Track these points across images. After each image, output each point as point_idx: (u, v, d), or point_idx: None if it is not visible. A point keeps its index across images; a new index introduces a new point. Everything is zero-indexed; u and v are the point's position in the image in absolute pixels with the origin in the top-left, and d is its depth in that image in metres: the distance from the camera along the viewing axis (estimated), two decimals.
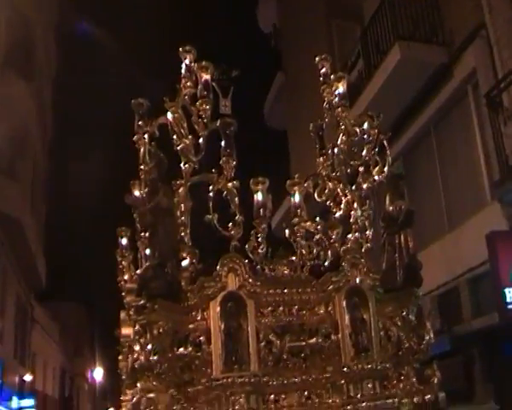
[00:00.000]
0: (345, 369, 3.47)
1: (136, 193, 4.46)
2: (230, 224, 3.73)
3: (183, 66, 4.17)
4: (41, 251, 25.72)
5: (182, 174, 4.03)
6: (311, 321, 3.61)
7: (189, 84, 4.12)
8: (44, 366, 30.70)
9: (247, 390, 3.24)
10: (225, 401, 3.23)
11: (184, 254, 3.92)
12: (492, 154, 10.04)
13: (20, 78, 20.40)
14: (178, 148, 4.04)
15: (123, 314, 4.75)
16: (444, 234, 11.44)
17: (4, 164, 19.40)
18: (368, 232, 4.20)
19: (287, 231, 4.42)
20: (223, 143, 3.86)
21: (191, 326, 3.44)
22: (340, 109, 4.33)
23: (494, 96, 9.64)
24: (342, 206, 4.37)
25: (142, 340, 3.40)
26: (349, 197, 4.32)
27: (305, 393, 3.57)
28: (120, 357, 5.11)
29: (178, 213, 3.94)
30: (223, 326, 3.31)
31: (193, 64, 4.15)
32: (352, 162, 4.38)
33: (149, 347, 3.31)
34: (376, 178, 4.22)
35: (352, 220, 4.25)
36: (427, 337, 3.90)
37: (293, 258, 4.24)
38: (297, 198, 4.37)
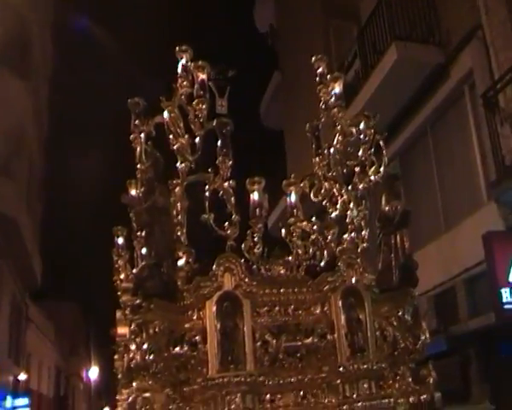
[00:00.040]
0: (341, 369, 3.48)
1: (133, 192, 4.45)
2: (226, 223, 3.73)
3: (180, 65, 4.17)
4: (37, 250, 25.65)
5: (178, 174, 4.03)
6: (306, 321, 3.61)
7: (185, 83, 4.13)
8: (39, 365, 30.61)
9: (242, 390, 3.24)
10: (221, 400, 3.24)
11: (180, 254, 3.93)
12: (489, 154, 10.05)
13: (16, 77, 20.35)
14: (175, 147, 4.05)
15: (119, 314, 4.74)
16: (440, 234, 11.45)
17: (0, 163, 19.36)
18: (364, 232, 4.20)
19: (283, 230, 4.42)
20: (219, 142, 3.87)
21: (187, 326, 3.44)
22: (336, 110, 4.33)
23: (491, 96, 9.65)
24: (338, 206, 4.38)
25: (137, 339, 3.39)
26: (345, 197, 4.32)
27: (301, 393, 3.58)
28: (116, 356, 5.11)
29: (174, 213, 3.94)
30: (219, 326, 3.31)
31: (189, 64, 4.15)
32: (348, 162, 4.39)
33: (145, 346, 3.31)
34: (372, 178, 4.23)
35: (348, 220, 4.26)
36: (423, 337, 3.90)
37: (290, 258, 4.24)
38: (293, 198, 4.38)
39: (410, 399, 3.84)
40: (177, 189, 4.01)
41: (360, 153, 4.27)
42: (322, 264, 4.15)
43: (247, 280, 3.40)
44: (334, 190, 4.39)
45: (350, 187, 4.33)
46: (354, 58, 14.03)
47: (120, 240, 5.39)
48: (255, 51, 26.55)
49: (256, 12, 23.41)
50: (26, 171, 22.67)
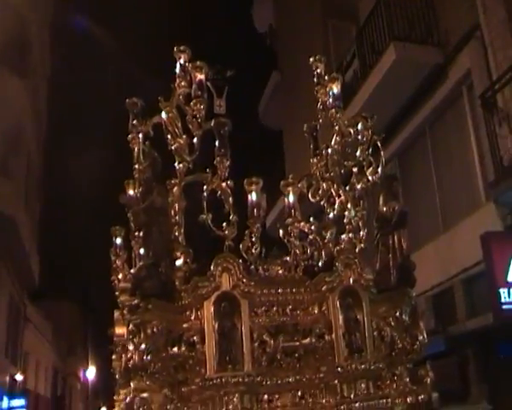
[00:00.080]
0: (338, 369, 3.47)
1: (131, 192, 4.45)
2: (224, 224, 3.73)
3: (178, 66, 4.17)
4: (35, 250, 25.64)
5: (176, 174, 4.02)
6: (304, 321, 3.61)
7: (183, 83, 4.12)
8: (37, 365, 30.54)
9: (240, 390, 3.24)
10: (219, 400, 3.24)
11: (178, 254, 3.92)
12: (487, 154, 10.06)
13: (15, 76, 20.35)
14: (173, 147, 4.04)
15: (116, 314, 4.73)
16: (438, 234, 11.46)
17: None
18: (361, 233, 4.20)
19: (281, 231, 4.42)
20: (217, 142, 3.87)
21: (185, 326, 3.44)
22: (334, 110, 4.33)
23: (489, 97, 9.66)
24: (336, 206, 4.38)
25: (135, 340, 3.39)
26: (343, 198, 4.33)
27: (299, 393, 3.58)
28: (114, 357, 5.10)
29: (172, 213, 3.94)
30: (217, 326, 3.31)
31: (187, 64, 4.15)
32: (345, 163, 4.39)
33: (143, 346, 3.31)
34: (370, 178, 4.23)
35: (345, 221, 4.26)
36: (421, 338, 3.90)
37: (287, 258, 4.23)
38: (291, 198, 4.37)
39: (408, 399, 3.84)
40: (175, 189, 4.01)
41: (358, 153, 4.28)
42: (320, 264, 4.15)
43: (244, 280, 3.39)
44: (332, 190, 4.40)
45: (348, 187, 4.33)
46: (353, 58, 14.04)
47: (118, 240, 5.38)
48: (254, 51, 26.56)
49: (255, 12, 23.42)
50: (24, 170, 22.66)
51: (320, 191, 4.48)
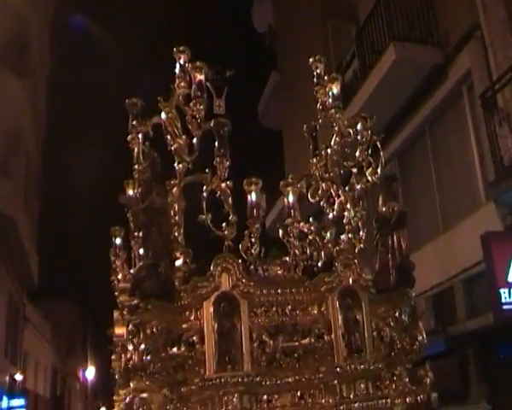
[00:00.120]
0: (338, 369, 3.48)
1: (130, 192, 4.45)
2: (224, 224, 3.73)
3: (177, 66, 4.17)
4: (34, 249, 25.64)
5: (175, 174, 4.03)
6: (304, 321, 3.61)
7: (182, 84, 4.13)
8: (36, 365, 30.52)
9: (240, 390, 3.24)
10: (218, 400, 3.24)
11: (178, 254, 3.93)
12: (487, 154, 10.06)
13: (15, 75, 20.36)
14: (172, 148, 4.05)
15: (116, 314, 4.73)
16: (438, 234, 11.46)
17: None
18: (361, 233, 4.21)
19: (280, 231, 4.42)
20: (216, 143, 3.87)
21: (184, 326, 3.44)
22: (333, 110, 4.33)
23: (489, 96, 9.66)
24: (335, 207, 4.38)
25: (135, 340, 3.39)
26: (342, 198, 4.33)
27: (298, 393, 3.59)
28: (113, 357, 5.10)
29: (172, 213, 3.94)
30: (216, 326, 3.31)
31: (187, 64, 4.16)
32: (345, 163, 4.39)
33: (142, 347, 3.31)
34: (369, 179, 4.23)
35: (345, 221, 4.26)
36: (420, 338, 3.91)
37: (287, 258, 4.24)
38: (290, 199, 4.37)
39: (407, 399, 3.85)
40: (175, 189, 4.01)
41: (357, 154, 4.28)
42: (320, 264, 4.15)
43: (244, 280, 3.40)
44: (332, 190, 4.40)
45: (347, 188, 4.33)
46: (352, 58, 14.03)
47: (118, 240, 5.38)
48: (253, 51, 26.54)
49: (254, 12, 23.42)
50: (23, 170, 22.67)
51: (319, 192, 4.48)
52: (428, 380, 3.93)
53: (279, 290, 3.61)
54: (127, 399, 4.02)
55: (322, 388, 3.58)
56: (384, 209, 4.03)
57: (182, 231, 4.00)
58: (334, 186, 4.39)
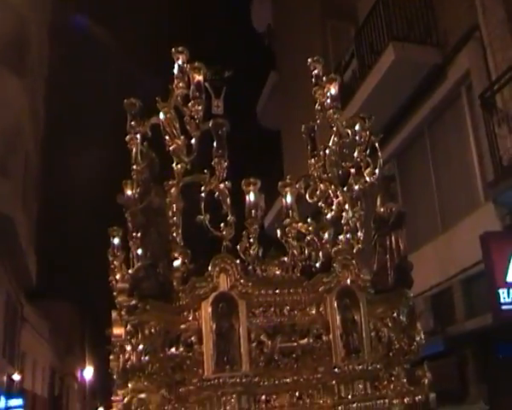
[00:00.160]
0: (336, 370, 3.48)
1: (129, 193, 4.45)
2: (222, 224, 3.73)
3: (176, 66, 4.17)
4: (32, 249, 25.60)
5: (174, 175, 4.03)
6: (302, 322, 3.62)
7: (181, 84, 4.13)
8: (34, 365, 30.43)
9: (238, 391, 3.25)
10: (216, 401, 3.24)
11: (176, 255, 3.93)
12: (486, 155, 10.06)
13: (14, 75, 20.34)
14: (170, 148, 4.05)
15: (114, 314, 4.73)
16: (437, 235, 11.46)
17: None
18: (359, 234, 4.21)
19: (278, 231, 4.42)
20: (215, 143, 3.87)
21: (183, 326, 3.44)
22: (331, 111, 4.33)
23: (488, 97, 9.66)
24: (334, 207, 4.38)
25: (133, 340, 3.39)
26: (340, 198, 4.33)
27: (297, 393, 3.59)
28: (112, 357, 5.10)
29: (170, 214, 3.94)
30: (214, 327, 3.32)
31: (185, 65, 4.16)
32: (343, 164, 4.40)
33: (141, 347, 3.31)
34: (368, 179, 4.24)
35: (343, 222, 4.26)
36: (418, 338, 3.91)
37: (285, 258, 4.24)
38: (288, 199, 4.37)
39: (405, 400, 3.85)
40: (173, 190, 4.01)
41: (355, 154, 4.29)
42: (318, 265, 4.14)
43: (242, 281, 3.40)
44: (330, 191, 4.40)
45: (345, 188, 4.34)
46: (351, 58, 14.03)
47: (116, 240, 5.38)
48: (252, 51, 26.53)
49: (253, 12, 23.42)
50: (21, 169, 22.64)
51: (318, 192, 4.48)
52: (426, 380, 3.93)
53: (277, 291, 3.62)
54: (125, 399, 4.02)
55: (321, 388, 3.59)
56: (382, 210, 4.04)
57: (180, 231, 4.00)
58: (333, 187, 4.39)
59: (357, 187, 4.28)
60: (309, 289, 3.64)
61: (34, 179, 26.47)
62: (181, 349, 3.36)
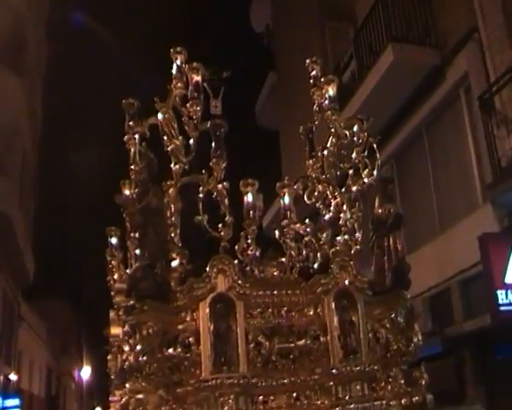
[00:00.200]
0: (333, 371, 3.48)
1: (126, 192, 4.44)
2: (220, 225, 3.73)
3: (174, 67, 4.17)
4: (29, 248, 25.54)
5: (172, 175, 4.03)
6: (299, 323, 3.62)
7: (179, 85, 4.13)
8: (31, 364, 30.35)
9: (235, 391, 3.25)
10: (214, 402, 3.24)
11: (174, 255, 3.92)
12: (484, 156, 10.07)
13: (12, 73, 20.32)
14: (169, 148, 4.05)
15: (112, 314, 4.73)
16: (435, 236, 11.46)
17: None
18: (357, 235, 4.21)
19: (276, 232, 4.42)
20: (213, 144, 3.87)
21: (180, 327, 3.43)
22: (329, 112, 4.34)
23: (487, 98, 9.67)
24: (331, 208, 4.38)
25: (131, 341, 3.40)
26: (338, 200, 4.33)
27: (294, 394, 3.58)
28: (109, 357, 5.09)
29: (168, 214, 3.94)
30: (212, 327, 3.31)
31: (184, 65, 4.16)
32: (341, 165, 4.40)
33: (138, 347, 3.31)
34: (366, 180, 4.24)
35: (341, 223, 4.26)
36: (416, 339, 3.91)
37: (283, 259, 4.24)
38: (286, 200, 4.37)
39: (403, 401, 3.85)
40: (171, 190, 4.01)
41: (354, 156, 4.29)
42: (316, 266, 4.15)
43: (240, 282, 3.40)
44: (328, 192, 4.40)
45: (343, 189, 4.34)
46: (350, 59, 14.03)
47: (114, 240, 5.37)
48: (251, 51, 26.54)
49: (252, 12, 23.41)
50: (19, 168, 22.59)
51: (316, 193, 4.48)
52: (424, 381, 3.94)
53: (275, 292, 3.61)
54: (123, 400, 4.02)
55: (318, 389, 3.59)
56: (380, 211, 4.04)
57: (178, 231, 4.00)
58: (331, 188, 4.40)
59: (355, 188, 4.28)
60: (307, 290, 3.64)
61: (32, 178, 26.44)
62: (178, 350, 3.36)
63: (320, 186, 4.45)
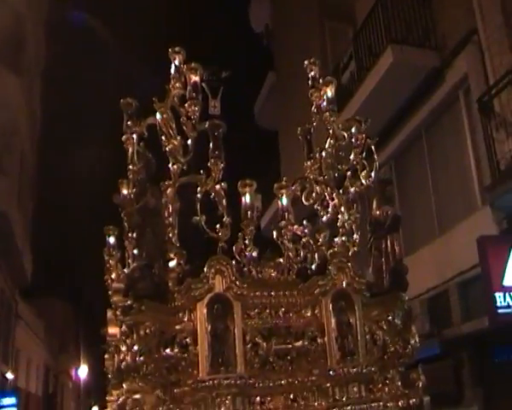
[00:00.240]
0: (330, 372, 3.48)
1: (125, 192, 4.44)
2: (218, 225, 3.73)
3: (173, 67, 4.17)
4: (27, 247, 25.53)
5: (170, 175, 4.02)
6: (297, 324, 3.62)
7: (178, 85, 4.13)
8: (28, 363, 30.26)
9: (233, 392, 3.25)
10: (211, 402, 3.24)
11: (172, 255, 3.92)
12: (483, 158, 10.07)
13: (11, 73, 20.32)
14: (167, 149, 4.04)
15: (109, 313, 4.73)
16: (434, 238, 11.45)
17: None
18: (355, 236, 4.21)
19: (274, 233, 4.42)
20: (211, 144, 3.86)
21: (178, 327, 3.44)
22: (328, 113, 4.34)
23: (486, 101, 9.67)
24: (329, 209, 4.38)
25: (128, 340, 3.39)
26: (336, 201, 4.33)
27: (291, 396, 3.59)
28: (106, 356, 5.09)
29: (166, 214, 3.93)
30: (209, 328, 3.32)
31: (182, 65, 4.15)
32: (339, 166, 4.40)
33: (136, 347, 3.31)
34: (364, 182, 4.24)
35: (339, 224, 4.26)
36: (413, 341, 3.91)
37: (281, 260, 4.24)
38: (284, 201, 4.37)
39: (400, 403, 3.85)
40: (169, 190, 4.00)
41: (352, 157, 4.29)
42: (313, 267, 4.15)
43: (237, 282, 3.40)
44: (326, 193, 4.40)
45: (341, 191, 4.34)
46: (350, 60, 14.02)
47: (112, 239, 5.37)
48: (250, 51, 26.53)
49: (251, 12, 23.40)
50: (17, 167, 22.58)
51: (314, 194, 4.48)
52: (421, 383, 3.94)
53: (272, 293, 3.61)
54: (120, 400, 4.02)
55: (315, 390, 3.59)
56: (378, 213, 4.04)
57: (176, 232, 4.00)
58: (329, 189, 4.40)
59: (353, 190, 4.28)
60: (304, 291, 3.64)
61: (30, 178, 26.42)
62: (176, 350, 3.36)
63: (318, 187, 4.45)
